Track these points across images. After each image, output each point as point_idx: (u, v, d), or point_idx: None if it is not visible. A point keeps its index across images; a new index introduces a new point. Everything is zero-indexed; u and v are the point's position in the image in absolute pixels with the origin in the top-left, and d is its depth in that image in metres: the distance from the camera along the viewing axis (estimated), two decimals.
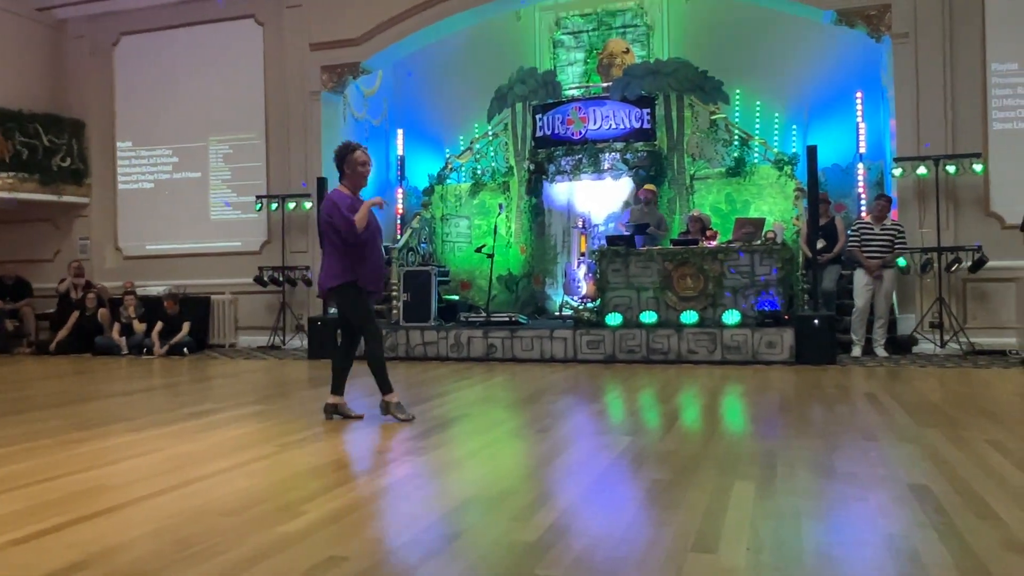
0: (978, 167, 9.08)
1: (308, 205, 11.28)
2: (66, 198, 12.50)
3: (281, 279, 11.34)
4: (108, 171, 12.77)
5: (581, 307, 9.74)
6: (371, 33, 11.42)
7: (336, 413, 5.36)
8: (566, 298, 10.82)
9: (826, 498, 3.28)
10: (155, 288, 11.81)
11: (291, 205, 11.46)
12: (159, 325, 10.74)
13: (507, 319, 9.60)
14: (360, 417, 5.35)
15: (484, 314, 9.82)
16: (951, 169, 9.07)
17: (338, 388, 5.39)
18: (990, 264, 8.79)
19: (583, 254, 10.79)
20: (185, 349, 10.65)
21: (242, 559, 2.63)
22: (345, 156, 5.27)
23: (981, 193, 9.25)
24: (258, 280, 11.32)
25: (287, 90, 11.77)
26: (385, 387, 5.24)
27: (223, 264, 12.00)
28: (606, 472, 3.79)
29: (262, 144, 11.99)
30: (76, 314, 11.35)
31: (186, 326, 10.78)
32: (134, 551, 2.75)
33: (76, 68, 12.85)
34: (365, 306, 5.25)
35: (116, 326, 11.04)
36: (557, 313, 10.67)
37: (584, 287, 10.48)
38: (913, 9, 9.41)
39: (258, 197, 11.66)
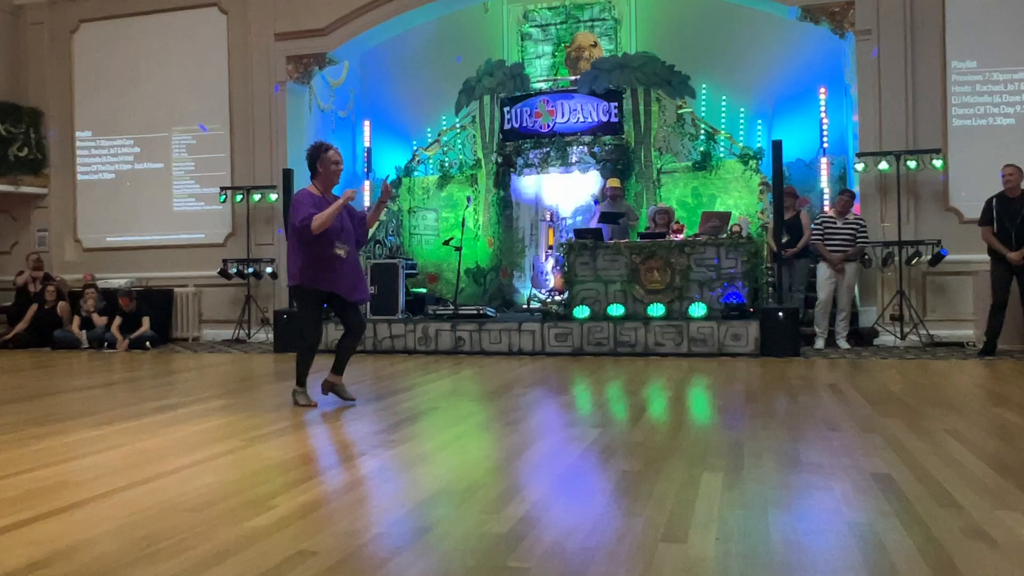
0: (938, 163, 9.25)
1: (274, 197, 11.15)
2: (24, 189, 12.21)
3: (246, 272, 11.20)
4: (67, 161, 12.50)
5: (549, 300, 9.77)
6: (338, 23, 11.30)
7: (332, 391, 5.66)
8: (534, 291, 10.84)
9: (792, 488, 3.33)
10: (116, 281, 11.61)
11: (256, 197, 11.32)
12: (118, 320, 10.55)
13: (475, 312, 9.59)
14: (351, 399, 5.62)
15: (452, 307, 9.80)
16: (912, 164, 9.23)
17: (338, 368, 5.66)
18: (949, 258, 8.98)
19: (551, 247, 10.81)
20: (148, 343, 10.48)
21: (210, 555, 2.60)
22: (319, 155, 5.37)
23: (940, 188, 9.44)
24: (222, 273, 11.17)
25: (252, 80, 11.61)
26: (298, 379, 5.54)
27: (186, 256, 11.82)
28: (576, 464, 3.81)
29: (226, 135, 11.82)
30: (34, 307, 11.12)
31: (146, 321, 10.59)
32: (98, 548, 2.70)
33: (34, 55, 12.55)
34: (310, 309, 5.49)
35: (76, 320, 10.83)
36: (525, 306, 10.69)
37: (552, 280, 10.51)
38: (876, 7, 9.55)
39: (222, 189, 11.50)
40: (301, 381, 5.52)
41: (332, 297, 5.47)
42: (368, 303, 9.90)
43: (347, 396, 5.64)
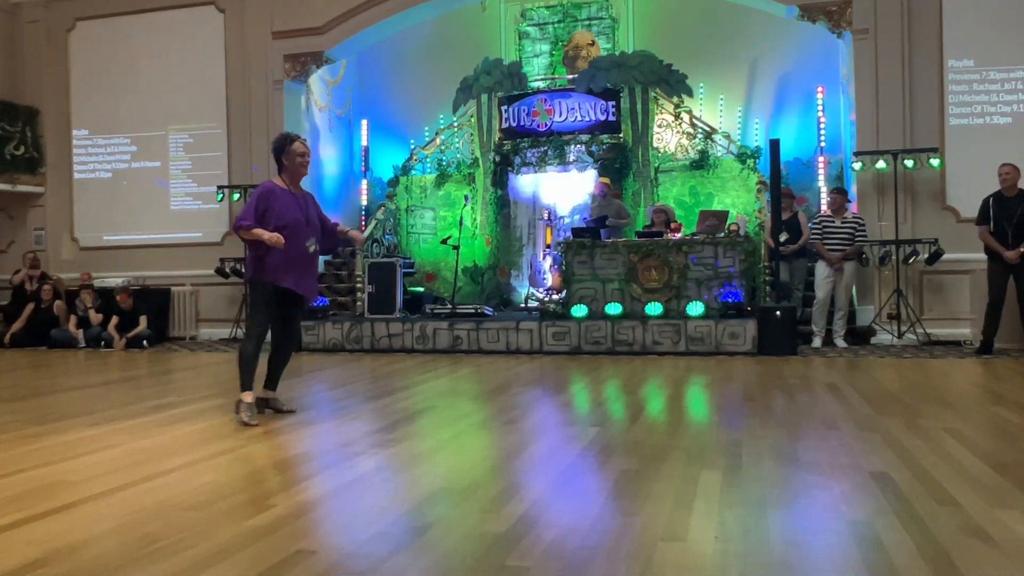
0: (935, 162, 9.27)
1: None
2: (20, 187, 12.19)
3: (243, 270, 11.18)
4: (64, 160, 12.48)
5: (547, 299, 9.77)
6: (335, 22, 11.29)
7: (268, 407, 5.26)
8: (531, 290, 10.83)
9: (790, 486, 3.33)
10: (113, 280, 11.58)
11: None
12: (115, 319, 10.53)
13: (473, 311, 9.59)
14: (292, 411, 5.24)
15: (450, 306, 9.79)
16: (909, 163, 9.24)
17: (272, 383, 5.29)
18: (946, 257, 9.00)
19: (548, 246, 10.81)
20: (144, 342, 10.46)
21: (209, 554, 2.60)
22: (284, 147, 5.09)
23: (938, 187, 9.45)
24: (219, 271, 11.16)
25: (249, 79, 11.59)
26: (244, 385, 5.00)
27: (184, 255, 11.81)
28: (574, 463, 3.81)
29: (223, 133, 11.81)
30: (31, 306, 11.10)
31: (143, 320, 10.57)
32: (96, 547, 2.69)
33: (30, 54, 12.52)
34: (267, 306, 5.04)
35: (72, 319, 10.81)
36: (523, 305, 10.68)
37: (550, 279, 10.51)
38: (873, 6, 9.56)
39: (219, 187, 11.49)
40: (248, 386, 4.99)
41: (285, 296, 5.07)
42: (365, 300, 9.91)
43: (286, 408, 5.29)
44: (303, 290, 5.10)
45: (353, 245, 5.14)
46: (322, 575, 2.41)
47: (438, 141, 11.86)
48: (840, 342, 8.93)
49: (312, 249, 5.07)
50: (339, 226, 5.41)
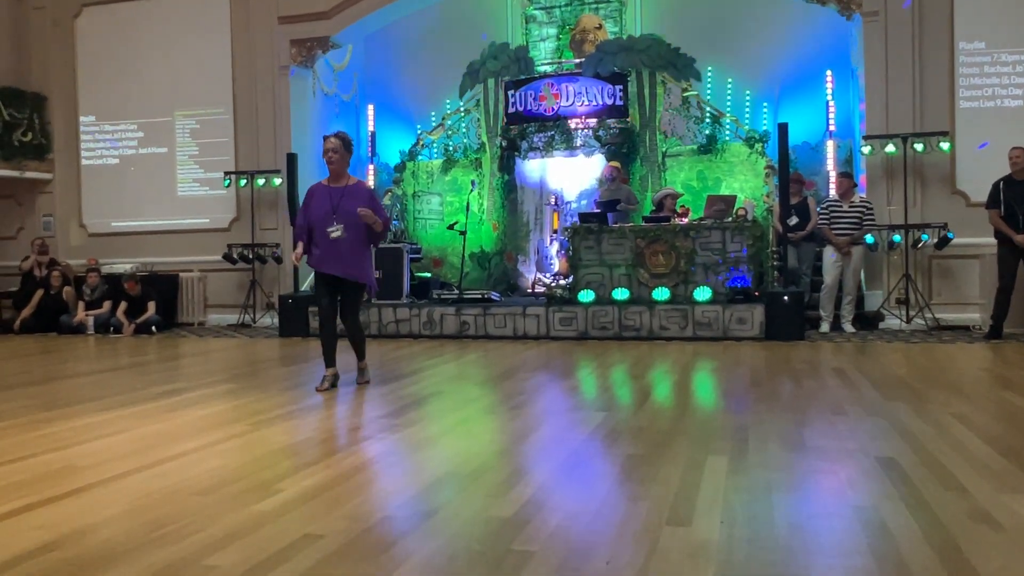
0: (945, 145, 9.19)
1: (277, 181, 11.14)
2: (28, 174, 12.21)
3: (251, 256, 11.21)
4: (71, 146, 12.49)
5: (554, 284, 9.76)
6: (341, 6, 11.24)
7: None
8: (539, 275, 10.82)
9: (797, 471, 3.33)
10: (122, 266, 11.62)
11: (260, 181, 11.31)
12: (124, 304, 10.57)
13: (480, 296, 9.59)
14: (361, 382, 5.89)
15: (457, 291, 9.79)
16: (918, 147, 9.18)
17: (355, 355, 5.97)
18: (955, 241, 8.94)
19: (555, 231, 10.79)
20: (153, 328, 10.50)
21: (216, 538, 2.61)
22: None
23: (947, 171, 9.38)
24: (227, 257, 11.18)
25: (255, 64, 11.56)
26: (325, 360, 5.74)
27: (191, 241, 11.83)
28: (580, 447, 3.82)
29: (230, 119, 11.79)
30: (40, 292, 11.14)
31: (151, 305, 10.61)
32: (105, 532, 2.72)
33: (37, 40, 12.50)
34: (318, 289, 5.71)
35: (80, 305, 10.86)
36: (529, 290, 10.68)
37: (556, 264, 10.50)
38: None
39: (226, 173, 11.50)
40: (326, 363, 5.69)
41: (334, 281, 5.61)
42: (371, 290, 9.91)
43: (361, 380, 5.86)
44: (334, 270, 5.55)
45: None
46: (329, 559, 2.43)
47: (445, 126, 11.82)
48: (848, 327, 8.90)
49: (335, 235, 5.45)
50: (359, 209, 5.56)
